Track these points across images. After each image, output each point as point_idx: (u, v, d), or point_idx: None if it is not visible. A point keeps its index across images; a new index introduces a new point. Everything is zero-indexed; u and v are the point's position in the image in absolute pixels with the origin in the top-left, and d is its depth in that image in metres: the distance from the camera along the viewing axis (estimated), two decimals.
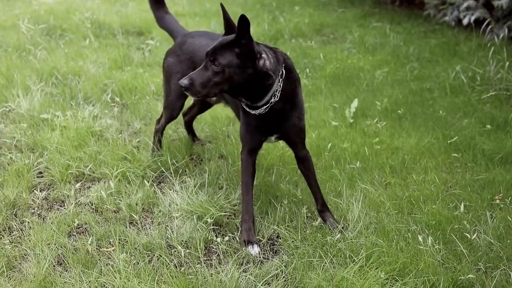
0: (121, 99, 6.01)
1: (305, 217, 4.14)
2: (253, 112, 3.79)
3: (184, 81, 3.56)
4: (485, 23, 7.77)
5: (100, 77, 6.41)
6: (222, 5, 3.73)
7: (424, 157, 4.96)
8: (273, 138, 4.01)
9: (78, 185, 4.60)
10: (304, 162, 4.12)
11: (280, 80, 3.73)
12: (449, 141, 5.19)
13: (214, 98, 4.61)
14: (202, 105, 5.10)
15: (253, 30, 7.99)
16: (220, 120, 5.59)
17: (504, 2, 7.42)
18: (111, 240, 3.90)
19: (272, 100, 3.73)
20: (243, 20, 3.41)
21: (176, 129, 5.41)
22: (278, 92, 3.72)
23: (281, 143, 4.25)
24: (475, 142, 5.17)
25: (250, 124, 3.92)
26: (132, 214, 4.17)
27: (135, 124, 5.54)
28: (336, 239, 3.81)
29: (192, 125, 5.27)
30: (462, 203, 4.20)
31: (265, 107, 3.74)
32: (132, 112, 5.77)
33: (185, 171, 4.75)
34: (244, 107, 3.82)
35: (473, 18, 8.07)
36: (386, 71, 6.80)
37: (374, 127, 5.48)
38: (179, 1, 9.98)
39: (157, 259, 3.72)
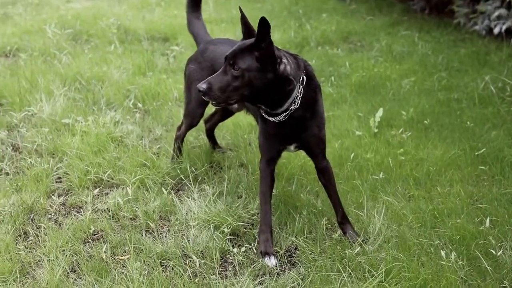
0: (144, 105, 5.97)
1: (325, 228, 4.04)
2: (272, 119, 3.70)
3: (202, 85, 3.47)
4: None
5: (123, 82, 6.38)
6: (240, 9, 3.66)
7: (450, 169, 4.83)
8: (292, 147, 3.91)
9: (96, 191, 4.56)
10: (324, 173, 4.02)
11: (301, 86, 3.64)
12: (476, 153, 5.05)
13: (236, 106, 4.54)
14: (224, 113, 5.03)
15: (279, 37, 7.95)
16: (242, 127, 5.51)
17: None
18: (126, 248, 3.84)
19: (292, 107, 3.63)
20: (263, 22, 3.32)
21: (197, 136, 5.35)
22: (298, 99, 3.63)
23: (303, 152, 4.15)
24: (503, 155, 5.02)
25: (269, 132, 3.83)
26: (149, 222, 4.11)
27: (156, 131, 5.50)
28: (355, 252, 3.70)
29: (213, 133, 5.21)
30: (488, 217, 4.05)
31: (284, 114, 3.65)
32: (153, 118, 5.73)
33: (204, 179, 4.68)
34: (263, 114, 3.73)
35: (504, 27, 7.89)
36: (413, 80, 6.67)
37: (399, 137, 5.36)
38: (206, 7, 9.94)
39: (172, 269, 3.65)
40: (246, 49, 3.48)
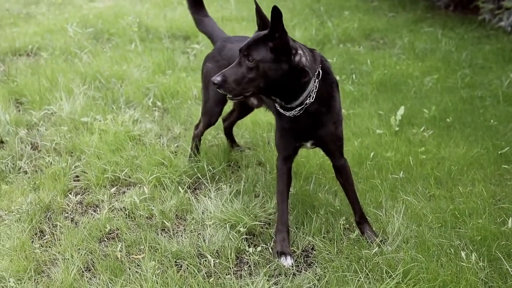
0: (163, 103, 5.95)
1: (342, 228, 3.98)
2: (287, 113, 3.63)
3: (217, 78, 3.41)
4: None
5: (142, 81, 6.36)
6: (255, 1, 3.60)
7: (472, 168, 4.73)
8: (308, 144, 3.84)
9: (113, 189, 4.55)
10: (341, 172, 3.95)
11: (316, 80, 3.57)
12: (499, 152, 4.95)
13: (256, 102, 4.49)
14: (242, 110, 4.98)
15: (301, 35, 7.89)
16: (261, 125, 5.46)
17: None
18: (141, 247, 3.81)
19: (308, 101, 3.57)
20: (276, 12, 3.27)
21: (216, 134, 5.31)
22: (313, 92, 3.56)
23: (321, 151, 4.09)
24: None
25: (285, 129, 3.77)
26: (165, 220, 4.08)
27: (175, 129, 5.47)
28: (373, 252, 3.63)
29: (232, 131, 5.17)
30: (511, 218, 3.95)
31: (299, 108, 3.58)
32: (172, 117, 5.71)
33: (222, 178, 4.64)
34: (278, 108, 3.68)
35: None
36: (435, 78, 6.56)
37: (420, 135, 5.27)
38: (227, 6, 9.90)
39: (186, 268, 3.61)
40: (260, 40, 3.43)
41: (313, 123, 3.69)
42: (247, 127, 5.48)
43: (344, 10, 9.57)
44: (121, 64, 6.86)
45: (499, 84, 6.34)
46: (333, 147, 3.86)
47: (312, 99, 3.57)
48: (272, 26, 3.35)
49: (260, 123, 5.50)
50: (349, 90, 6.26)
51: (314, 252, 3.81)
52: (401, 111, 5.54)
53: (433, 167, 4.76)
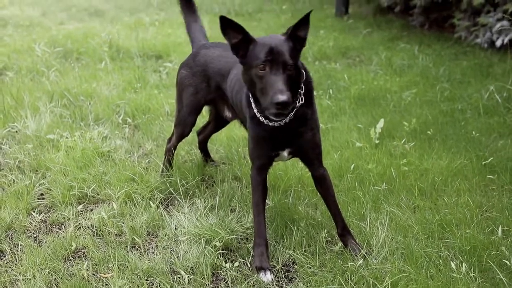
0: (133, 120, 5.70)
1: (324, 241, 3.74)
2: (275, 123, 3.42)
3: (283, 97, 3.05)
4: None
5: (112, 98, 6.12)
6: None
7: (456, 179, 4.55)
8: (285, 153, 3.62)
9: (80, 207, 4.27)
10: (321, 182, 3.74)
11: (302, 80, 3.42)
12: (483, 163, 4.78)
13: (230, 115, 4.29)
14: (217, 123, 4.77)
15: None
16: (236, 140, 5.25)
17: None
18: (110, 265, 3.54)
19: (298, 104, 3.40)
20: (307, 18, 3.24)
21: (189, 150, 5.07)
22: (301, 94, 3.41)
23: (300, 163, 3.87)
24: None
25: (262, 137, 3.55)
26: (135, 237, 3.81)
27: (147, 145, 5.22)
28: (358, 265, 3.41)
29: (206, 145, 4.94)
30: (500, 227, 3.76)
31: (292, 113, 3.40)
32: (144, 133, 5.46)
33: (196, 193, 4.39)
34: (262, 120, 3.44)
35: (506, 39, 7.66)
36: (414, 92, 6.41)
37: (401, 148, 5.09)
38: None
39: (159, 286, 3.35)
40: (286, 43, 3.22)
41: (294, 129, 3.48)
42: (221, 143, 5.26)
43: (319, 30, 9.45)
44: (90, 82, 6.60)
45: (479, 97, 6.21)
46: (312, 155, 3.66)
47: (302, 100, 3.41)
48: (297, 28, 3.23)
49: (235, 138, 5.29)
50: (327, 104, 6.09)
51: (295, 266, 3.57)
52: (380, 124, 5.37)
53: (416, 178, 4.57)
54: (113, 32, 8.85)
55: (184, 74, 4.33)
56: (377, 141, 5.20)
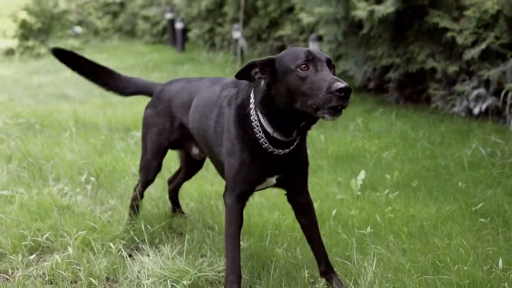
0: (97, 179, 5.30)
1: (307, 282, 3.32)
2: (280, 151, 3.16)
3: (343, 84, 2.75)
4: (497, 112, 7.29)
5: (76, 160, 5.73)
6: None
7: (447, 223, 4.21)
8: (273, 179, 3.28)
9: (32, 256, 3.81)
10: (306, 211, 3.40)
11: None
12: (473, 208, 4.46)
13: (197, 152, 3.96)
14: (189, 169, 4.43)
15: None
16: (208, 195, 4.86)
17: None
18: None
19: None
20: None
21: (156, 204, 4.64)
22: None
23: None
24: (504, 209, 4.43)
25: (252, 161, 3.20)
26: (92, 279, 3.36)
27: (110, 202, 4.79)
28: None
29: (177, 194, 4.57)
30: (500, 258, 3.39)
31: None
32: (108, 191, 5.05)
33: (162, 240, 3.97)
34: (268, 147, 3.14)
35: (484, 106, 7.52)
36: (394, 152, 6.13)
37: (385, 198, 4.75)
38: None
39: None
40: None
41: (290, 154, 3.20)
42: (192, 197, 4.87)
43: None
44: (53, 148, 6.22)
45: (463, 153, 5.94)
46: (301, 181, 3.39)
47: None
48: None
49: (206, 193, 4.90)
50: None
51: None
52: (361, 175, 5.06)
53: (403, 223, 4.21)
54: (81, 110, 8.55)
55: (148, 114, 4.03)
56: (359, 193, 4.86)
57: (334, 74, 2.93)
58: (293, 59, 2.94)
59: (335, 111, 2.80)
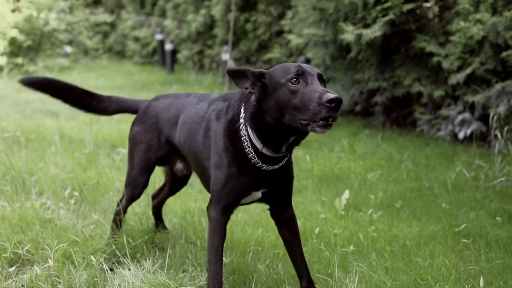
0: (81, 194, 5.27)
1: None
2: (269, 167, 3.17)
3: (336, 94, 2.78)
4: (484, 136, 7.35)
5: (60, 175, 5.70)
6: None
7: (429, 243, 4.22)
8: (259, 193, 3.28)
9: (12, 269, 3.77)
10: (289, 225, 3.41)
11: None
12: (456, 229, 4.48)
13: (181, 167, 3.95)
14: (173, 184, 4.41)
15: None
16: (191, 212, 4.84)
17: (502, 109, 6.94)
18: None
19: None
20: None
21: (140, 219, 4.62)
22: None
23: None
24: (486, 231, 4.45)
25: (240, 172, 3.20)
26: None
27: (93, 216, 4.76)
28: None
29: (161, 210, 4.55)
30: (482, 278, 3.39)
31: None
32: (91, 206, 5.02)
33: (144, 254, 3.94)
34: (257, 162, 3.15)
35: (469, 131, 7.58)
36: (379, 173, 6.15)
37: (368, 217, 4.75)
38: None
39: None
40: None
41: (278, 169, 3.21)
42: (175, 213, 4.86)
43: None
44: (37, 162, 6.19)
45: (447, 175, 5.97)
46: (287, 195, 3.40)
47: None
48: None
49: (190, 210, 4.89)
50: None
51: None
52: (346, 195, 5.07)
53: (386, 242, 4.21)
54: (67, 126, 8.54)
55: (136, 131, 4.02)
56: (342, 212, 4.87)
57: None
58: (284, 73, 2.96)
59: (326, 124, 2.81)
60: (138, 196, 4.10)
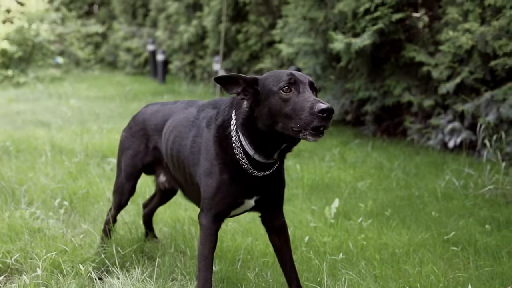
0: (71, 203, 5.26)
1: None
2: (260, 173, 3.17)
3: (328, 104, 2.81)
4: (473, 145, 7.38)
5: (50, 184, 5.69)
6: None
7: (418, 251, 4.23)
8: (252, 201, 3.28)
9: (0, 278, 3.76)
10: (280, 233, 3.42)
11: None
12: (445, 237, 4.49)
13: (164, 179, 3.97)
14: (163, 193, 4.40)
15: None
16: (181, 221, 4.84)
17: (491, 118, 6.98)
18: None
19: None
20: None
21: (129, 229, 4.62)
22: None
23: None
24: (475, 239, 4.47)
25: (232, 179, 3.21)
26: None
27: (83, 226, 4.75)
28: None
29: (151, 219, 4.54)
30: (470, 285, 3.41)
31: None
32: (81, 216, 5.01)
33: (133, 263, 3.94)
34: (249, 168, 3.16)
35: (458, 140, 7.61)
36: (369, 182, 6.17)
37: (358, 226, 4.76)
38: None
39: None
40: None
41: (270, 175, 3.23)
42: (165, 223, 4.85)
43: None
44: (27, 172, 6.18)
45: (436, 184, 6.00)
46: (278, 203, 3.42)
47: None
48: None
49: (180, 219, 4.89)
50: None
51: None
52: (335, 203, 5.08)
53: (375, 250, 4.22)
54: (57, 136, 8.53)
55: (124, 136, 4.05)
56: (332, 221, 4.88)
57: (316, 97, 2.96)
58: (276, 81, 2.98)
59: (318, 132, 2.83)
60: (125, 204, 4.11)
